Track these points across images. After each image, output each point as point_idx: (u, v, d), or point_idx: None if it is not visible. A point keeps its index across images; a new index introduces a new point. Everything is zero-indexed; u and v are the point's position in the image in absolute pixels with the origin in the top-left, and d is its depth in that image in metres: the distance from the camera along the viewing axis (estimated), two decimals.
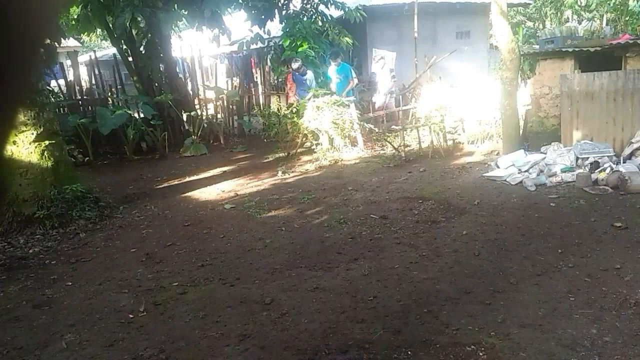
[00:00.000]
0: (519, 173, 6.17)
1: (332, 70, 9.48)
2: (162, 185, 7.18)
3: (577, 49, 7.01)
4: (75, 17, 10.09)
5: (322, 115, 7.95)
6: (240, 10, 10.38)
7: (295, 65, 9.41)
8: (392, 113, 9.73)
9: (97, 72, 10.16)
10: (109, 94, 10.19)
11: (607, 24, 15.34)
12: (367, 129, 8.44)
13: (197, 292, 3.72)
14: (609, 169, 5.75)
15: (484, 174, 6.40)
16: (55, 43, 6.56)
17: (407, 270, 3.81)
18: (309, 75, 9.51)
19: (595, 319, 2.97)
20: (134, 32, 9.65)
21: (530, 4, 16.36)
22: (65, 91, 9.69)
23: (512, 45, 7.08)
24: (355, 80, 9.62)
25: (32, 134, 5.35)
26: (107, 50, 18.63)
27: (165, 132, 9.40)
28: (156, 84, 10.13)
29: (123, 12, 8.34)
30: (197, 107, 10.47)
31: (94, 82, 10.19)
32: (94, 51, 12.09)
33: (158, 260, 4.40)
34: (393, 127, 8.79)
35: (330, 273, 3.87)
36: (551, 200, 5.29)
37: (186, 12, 9.35)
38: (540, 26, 17.97)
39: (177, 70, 10.90)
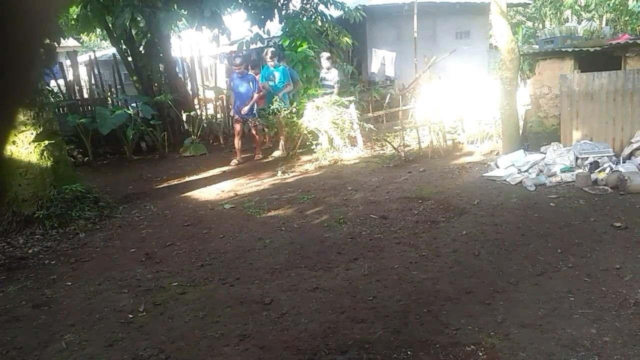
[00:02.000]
0: (518, 173, 6.17)
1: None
2: (162, 185, 7.18)
3: (576, 49, 7.01)
4: (75, 17, 10.09)
5: (322, 115, 7.96)
6: (240, 10, 10.37)
7: (238, 61, 8.08)
8: None
9: (96, 72, 10.16)
10: (109, 94, 10.19)
11: (606, 24, 15.36)
12: (367, 129, 8.44)
13: (196, 292, 3.72)
14: (608, 169, 5.75)
15: (483, 174, 6.40)
16: (55, 43, 6.56)
17: (407, 270, 3.81)
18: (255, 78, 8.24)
19: (595, 319, 2.97)
20: (133, 32, 9.65)
21: (529, 4, 16.37)
22: (64, 91, 9.69)
23: (512, 45, 7.08)
24: (290, 87, 8.60)
25: (32, 133, 5.35)
26: (107, 50, 18.62)
27: (165, 132, 9.39)
28: (156, 84, 10.13)
29: (122, 12, 8.34)
30: (197, 107, 10.47)
31: (93, 82, 10.19)
32: (94, 51, 12.08)
33: (158, 260, 4.39)
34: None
35: (330, 273, 3.87)
36: (551, 200, 5.29)
37: (186, 12, 9.34)
38: (540, 26, 17.99)
39: (177, 70, 10.90)
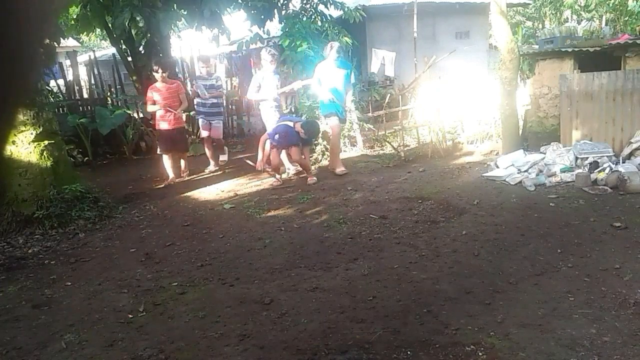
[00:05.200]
0: (518, 173, 6.17)
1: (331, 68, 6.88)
2: (162, 185, 7.17)
3: (576, 49, 7.01)
4: (75, 17, 10.07)
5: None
6: (240, 10, 10.37)
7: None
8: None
9: (96, 72, 10.16)
10: (108, 94, 10.19)
11: (606, 24, 15.37)
12: (367, 129, 8.44)
13: (196, 292, 3.72)
14: (608, 169, 5.75)
15: (483, 174, 6.40)
16: (55, 43, 6.56)
17: (407, 270, 3.81)
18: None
19: (595, 318, 2.97)
20: (133, 32, 9.64)
21: (529, 4, 16.37)
22: (64, 91, 9.69)
23: (512, 45, 7.09)
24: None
25: (32, 133, 5.35)
26: (107, 50, 18.61)
27: None
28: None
29: (122, 12, 8.34)
30: None
31: (93, 82, 10.19)
32: (93, 51, 12.08)
33: (157, 260, 4.39)
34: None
35: (330, 273, 3.87)
36: (550, 200, 5.29)
37: (185, 12, 9.34)
38: (540, 26, 17.99)
39: (177, 70, 10.89)
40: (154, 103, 6.96)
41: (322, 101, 7.05)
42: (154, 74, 6.98)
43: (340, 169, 6.91)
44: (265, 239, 4.70)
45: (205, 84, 7.67)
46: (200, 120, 7.86)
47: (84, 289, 3.90)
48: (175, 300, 3.59)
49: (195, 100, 7.86)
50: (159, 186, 7.13)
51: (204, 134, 7.82)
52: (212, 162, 7.86)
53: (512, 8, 16.19)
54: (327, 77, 6.83)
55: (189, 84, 10.77)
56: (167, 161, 7.13)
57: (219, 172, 7.71)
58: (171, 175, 7.16)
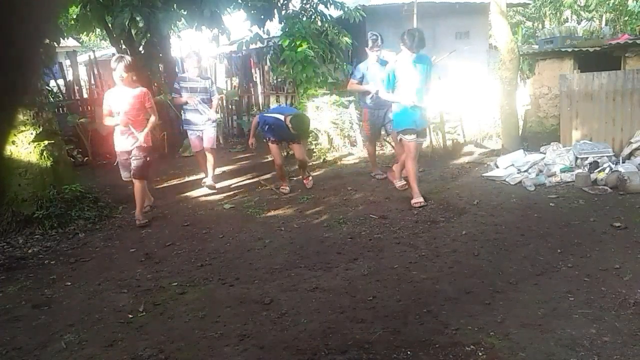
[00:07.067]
0: (518, 173, 6.17)
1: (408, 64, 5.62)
2: (162, 185, 7.17)
3: (576, 49, 7.02)
4: (74, 17, 10.08)
5: (322, 115, 7.95)
6: (240, 10, 10.37)
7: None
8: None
9: (96, 72, 10.16)
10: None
11: (606, 24, 15.36)
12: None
13: (196, 292, 3.72)
14: (608, 169, 5.75)
15: (483, 174, 6.40)
16: (55, 43, 6.56)
17: (407, 270, 3.81)
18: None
19: (595, 318, 2.97)
20: (133, 32, 9.65)
21: (529, 4, 16.35)
22: (64, 91, 9.69)
23: (512, 45, 7.09)
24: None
25: (32, 133, 5.35)
26: (107, 50, 18.60)
27: (165, 132, 9.39)
28: (156, 84, 10.12)
29: (122, 12, 8.34)
30: None
31: (92, 82, 10.19)
32: (93, 51, 12.07)
33: (157, 260, 4.39)
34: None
35: (330, 273, 3.87)
36: (550, 200, 5.29)
37: (185, 12, 9.34)
38: (540, 26, 17.98)
39: (177, 70, 10.89)
40: (112, 114, 5.36)
41: (397, 112, 5.50)
42: (113, 73, 5.25)
43: (418, 200, 5.31)
44: (265, 239, 4.70)
45: (195, 86, 6.51)
46: (190, 134, 6.60)
47: (84, 289, 3.90)
48: (175, 300, 3.59)
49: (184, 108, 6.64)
50: (158, 186, 7.13)
51: (195, 148, 6.65)
52: (209, 175, 6.64)
53: (512, 8, 16.17)
54: (406, 75, 5.48)
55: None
56: (139, 189, 5.43)
57: (218, 173, 7.69)
58: (149, 200, 5.87)
